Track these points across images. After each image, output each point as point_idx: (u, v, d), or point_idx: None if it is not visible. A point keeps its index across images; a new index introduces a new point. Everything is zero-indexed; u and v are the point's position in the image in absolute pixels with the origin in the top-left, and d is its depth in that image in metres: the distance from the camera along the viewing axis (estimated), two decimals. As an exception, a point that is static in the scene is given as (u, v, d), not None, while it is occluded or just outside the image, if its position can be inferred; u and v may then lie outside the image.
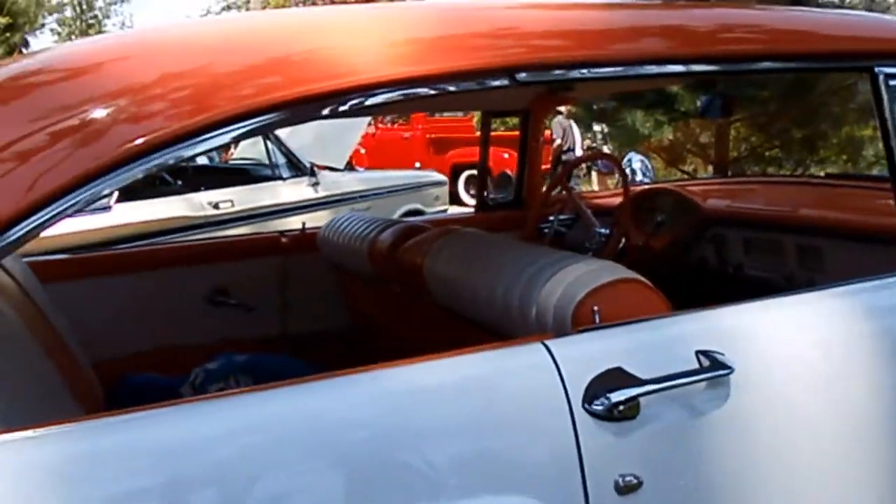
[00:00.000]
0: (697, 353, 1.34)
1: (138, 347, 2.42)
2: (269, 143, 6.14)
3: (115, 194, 4.71)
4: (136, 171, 1.14)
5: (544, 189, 3.27)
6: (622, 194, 2.90)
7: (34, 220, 1.09)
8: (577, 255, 1.66)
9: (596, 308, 1.36)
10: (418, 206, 7.45)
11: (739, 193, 3.06)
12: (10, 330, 1.41)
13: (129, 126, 1.14)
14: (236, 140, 1.28)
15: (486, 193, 3.36)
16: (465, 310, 1.83)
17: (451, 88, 1.36)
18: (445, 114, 13.53)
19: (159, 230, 4.92)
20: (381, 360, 2.45)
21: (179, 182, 5.75)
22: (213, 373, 2.18)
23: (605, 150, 8.44)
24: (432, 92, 1.36)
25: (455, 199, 9.81)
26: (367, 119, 8.60)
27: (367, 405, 1.21)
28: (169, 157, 1.16)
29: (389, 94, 1.31)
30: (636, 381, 1.27)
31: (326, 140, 7.08)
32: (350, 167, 7.87)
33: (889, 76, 1.71)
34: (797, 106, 6.96)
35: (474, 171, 9.87)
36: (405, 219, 3.55)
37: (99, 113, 1.14)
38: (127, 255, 2.58)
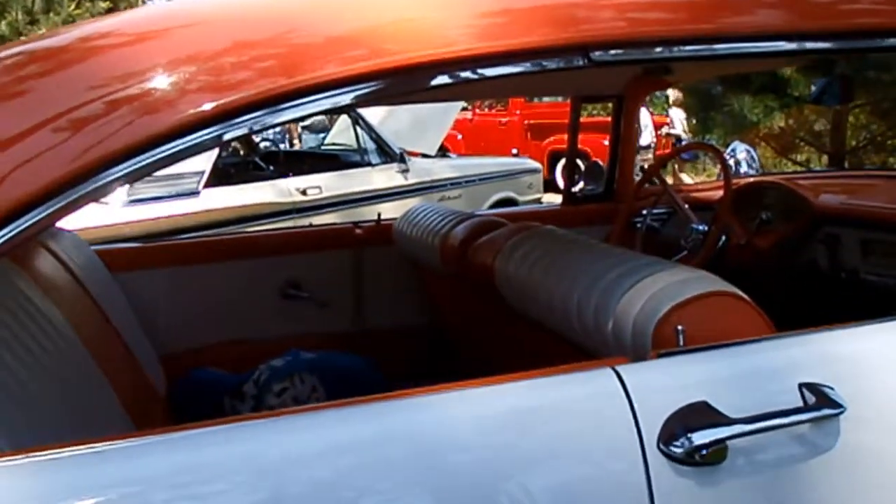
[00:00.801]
0: (801, 386, 1.13)
1: (208, 340, 2.39)
2: (358, 128, 6.10)
3: (204, 179, 4.78)
4: (205, 139, 1.03)
5: (637, 181, 3.05)
6: (723, 187, 2.66)
7: (89, 184, 0.99)
8: (664, 262, 1.47)
9: (680, 327, 1.18)
10: (511, 194, 7.29)
11: (857, 189, 2.76)
12: (49, 331, 1.35)
13: (198, 94, 1.04)
14: (317, 114, 1.19)
15: (574, 185, 3.16)
16: (539, 316, 1.68)
17: (553, 64, 1.19)
18: (545, 99, 13.25)
19: (246, 216, 4.94)
20: (458, 364, 2.32)
21: (269, 167, 5.79)
22: (279, 370, 2.11)
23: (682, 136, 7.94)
24: (533, 68, 1.19)
25: (551, 187, 9.56)
26: (460, 104, 8.47)
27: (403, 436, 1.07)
28: (243, 125, 1.05)
29: (489, 69, 1.16)
30: (724, 420, 1.07)
31: (418, 126, 6.99)
32: (443, 153, 7.75)
33: None
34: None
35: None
36: (488, 210, 3.40)
37: (165, 80, 1.04)
38: (198, 245, 2.55)
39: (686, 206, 2.88)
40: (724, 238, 2.81)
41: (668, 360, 1.14)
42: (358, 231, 2.70)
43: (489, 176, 7.12)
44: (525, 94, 7.73)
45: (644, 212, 3.01)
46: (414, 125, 6.95)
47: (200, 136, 1.03)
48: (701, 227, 2.78)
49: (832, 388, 1.13)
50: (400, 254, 2.57)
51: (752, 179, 3.01)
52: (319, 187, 5.55)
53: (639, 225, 3.00)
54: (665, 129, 10.76)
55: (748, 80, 5.92)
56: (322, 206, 5.44)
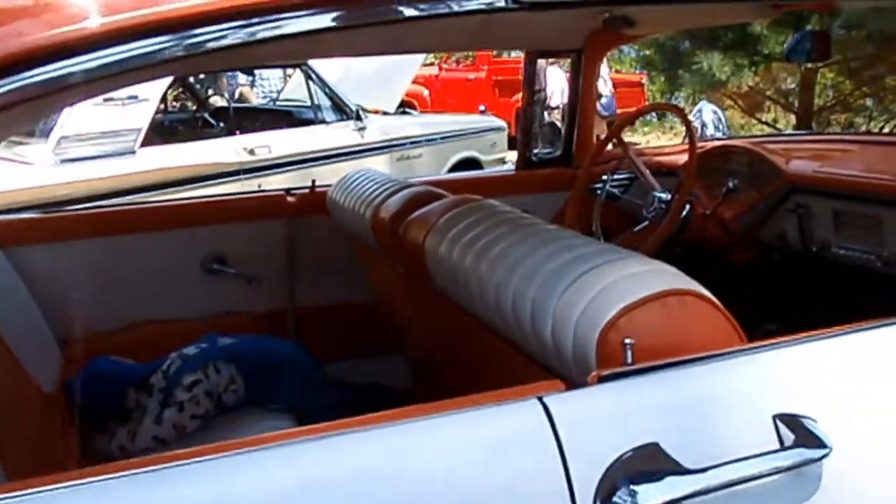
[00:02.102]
0: (777, 419, 0.92)
1: (118, 323, 2.15)
2: (311, 83, 5.77)
3: (140, 137, 4.46)
4: None
5: (596, 144, 2.84)
6: (688, 153, 2.45)
7: None
8: (617, 251, 1.26)
9: (628, 341, 0.97)
10: (474, 153, 7.05)
11: (830, 155, 2.56)
12: None
13: None
14: None
15: (530, 148, 2.94)
16: (472, 308, 1.46)
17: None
18: (514, 54, 12.91)
19: (186, 177, 4.64)
20: (399, 347, 2.09)
21: (219, 124, 5.47)
22: (191, 360, 1.88)
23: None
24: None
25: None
26: (420, 59, 8.13)
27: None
28: None
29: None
30: (679, 470, 0.85)
31: (376, 82, 6.68)
32: (404, 110, 7.45)
33: None
34: (894, 51, 6.20)
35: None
36: (437, 175, 3.16)
37: None
38: (105, 216, 2.29)
39: (648, 172, 2.68)
40: (688, 207, 2.62)
41: (611, 386, 0.91)
42: (290, 199, 2.46)
43: (451, 134, 6.86)
44: (469, 48, 7.36)
45: (604, 177, 2.80)
46: (372, 81, 6.64)
47: None
48: (664, 196, 2.58)
49: (814, 421, 0.91)
50: (336, 225, 2.34)
51: (718, 143, 2.81)
52: (269, 146, 5.24)
53: (598, 192, 2.80)
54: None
55: (717, 37, 5.70)
56: (271, 166, 5.15)
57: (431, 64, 14.01)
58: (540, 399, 0.86)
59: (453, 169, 6.70)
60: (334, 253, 2.42)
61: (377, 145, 5.97)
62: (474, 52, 11.17)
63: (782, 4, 2.18)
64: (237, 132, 5.25)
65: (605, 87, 10.15)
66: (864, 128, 6.90)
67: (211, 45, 0.90)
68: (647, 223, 2.62)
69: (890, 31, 5.53)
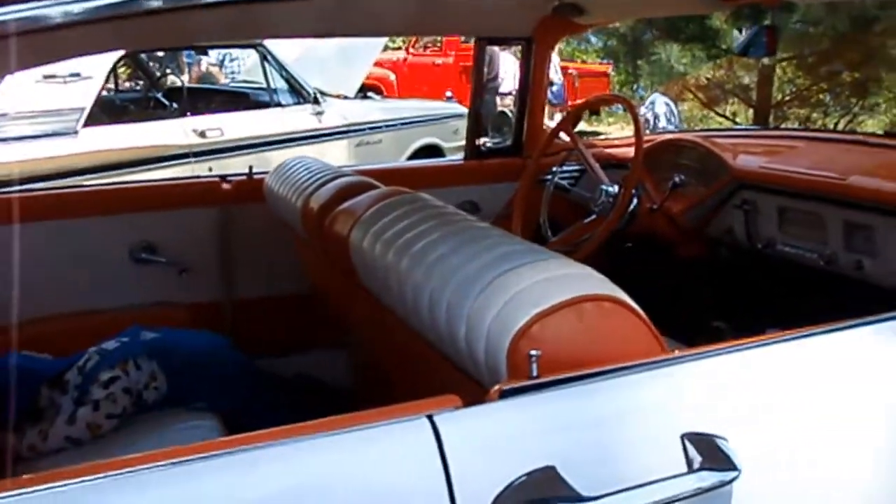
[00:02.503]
0: (685, 438, 0.86)
1: (37, 314, 2.05)
2: (267, 65, 5.63)
3: (84, 116, 4.30)
4: None
5: (546, 135, 2.78)
6: (634, 146, 2.41)
7: None
8: (540, 252, 1.20)
9: (534, 352, 0.91)
10: (436, 140, 6.95)
11: (778, 151, 2.54)
12: None
13: None
14: None
15: (478, 137, 2.88)
16: (393, 307, 1.40)
17: None
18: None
19: (130, 160, 4.48)
20: (337, 340, 2.01)
21: (171, 105, 5.31)
22: (109, 355, 1.79)
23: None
24: None
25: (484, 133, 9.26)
26: (381, 43, 8.01)
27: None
28: None
29: None
30: (574, 496, 0.79)
31: (336, 65, 6.55)
32: (364, 94, 7.33)
33: None
34: (850, 47, 6.24)
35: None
36: (385, 164, 3.08)
37: None
38: (27, 200, 2.18)
39: (597, 164, 2.63)
40: (635, 201, 2.58)
41: (512, 403, 0.85)
42: (226, 186, 2.37)
43: (413, 120, 6.75)
44: (418, 32, 7.21)
45: (554, 169, 2.76)
46: (332, 64, 6.51)
47: None
48: (611, 189, 2.55)
49: (725, 440, 0.86)
50: (273, 214, 2.26)
51: (668, 136, 2.77)
52: (221, 129, 5.10)
53: (548, 184, 2.75)
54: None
55: (677, 29, 5.68)
56: (223, 149, 5.00)
57: (399, 48, 13.85)
58: (430, 417, 0.80)
59: (414, 155, 6.61)
60: (272, 242, 2.34)
61: (335, 130, 5.85)
62: (436, 37, 11.00)
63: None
64: (188, 114, 5.10)
65: (555, 74, 10.17)
66: (820, 123, 6.96)
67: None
68: (594, 216, 2.58)
69: (846, 28, 5.57)
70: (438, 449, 0.77)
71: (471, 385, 1.10)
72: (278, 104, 5.67)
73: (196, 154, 4.83)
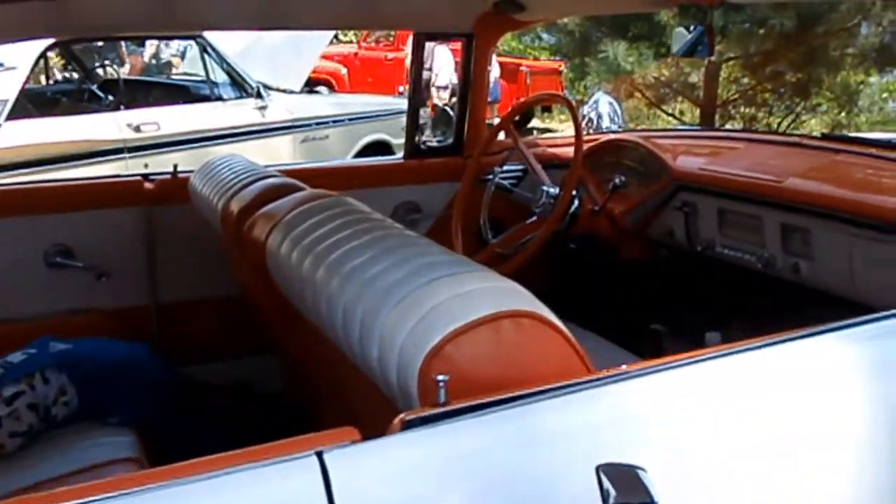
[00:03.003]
0: (601, 470, 0.80)
1: None
2: (207, 57, 5.46)
3: (7, 109, 4.10)
4: None
5: (487, 134, 2.73)
6: (574, 148, 2.36)
7: None
8: (458, 263, 1.14)
9: (441, 378, 0.85)
10: (384, 136, 6.84)
11: (718, 152, 2.53)
12: None
13: None
14: None
15: (418, 135, 2.81)
16: (310, 317, 1.33)
17: None
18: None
19: (56, 156, 4.27)
20: (268, 343, 1.92)
21: (107, 98, 5.11)
22: (15, 368, 1.68)
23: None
24: None
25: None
26: (328, 36, 7.86)
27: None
28: None
29: None
30: None
31: (281, 58, 6.40)
32: (310, 89, 7.19)
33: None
34: (794, 48, 6.33)
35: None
36: (322, 162, 2.99)
37: None
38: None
39: (538, 165, 2.59)
40: (576, 203, 2.55)
41: (414, 436, 0.78)
42: (148, 185, 2.25)
43: (360, 116, 6.63)
44: (354, 26, 7.07)
45: (496, 169, 2.70)
46: (277, 57, 6.36)
47: None
48: (552, 190, 2.50)
49: (644, 471, 0.81)
50: (198, 214, 2.15)
51: (611, 137, 2.74)
52: (157, 123, 4.92)
53: (489, 184, 2.70)
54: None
55: (625, 27, 5.68)
56: (159, 145, 4.83)
57: (351, 42, 13.67)
58: (319, 455, 0.73)
59: (362, 151, 6.50)
60: (199, 244, 2.23)
61: (279, 125, 5.70)
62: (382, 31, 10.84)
63: None
64: (122, 107, 4.90)
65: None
66: (764, 122, 7.05)
67: None
68: (535, 217, 2.54)
69: (791, 28, 5.64)
70: (326, 491, 0.70)
71: (389, 405, 1.03)
72: (219, 98, 5.51)
73: (130, 150, 4.66)
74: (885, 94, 8.08)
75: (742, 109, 7.06)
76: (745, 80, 6.97)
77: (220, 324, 2.27)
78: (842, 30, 5.77)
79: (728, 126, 7.07)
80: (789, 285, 2.14)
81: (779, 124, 7.02)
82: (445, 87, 9.71)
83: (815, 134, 2.92)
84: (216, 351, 2.27)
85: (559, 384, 0.90)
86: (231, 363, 2.29)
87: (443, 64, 10.37)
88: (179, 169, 2.28)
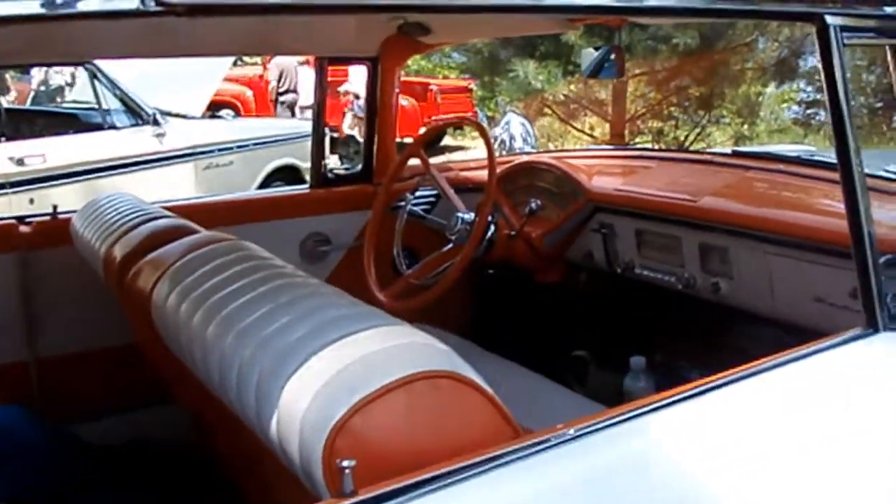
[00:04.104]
0: None
1: None
2: (98, 84, 5.15)
3: None
4: None
5: (397, 159, 2.61)
6: (488, 171, 2.27)
7: None
8: (366, 317, 1.01)
9: (346, 464, 0.72)
10: (293, 160, 6.65)
11: (632, 172, 2.49)
12: None
13: None
14: None
15: (325, 163, 2.68)
16: (203, 381, 1.17)
17: None
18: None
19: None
20: (164, 395, 1.75)
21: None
22: None
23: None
24: None
25: (344, 150, 9.01)
26: (230, 59, 7.63)
27: None
28: None
29: None
30: None
31: (180, 83, 6.13)
32: (213, 113, 6.93)
33: (844, 29, 1.13)
34: (697, 63, 6.54)
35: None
36: (219, 196, 2.82)
37: None
38: None
39: (452, 190, 2.49)
40: (492, 228, 2.46)
41: None
42: (24, 228, 2.04)
43: (267, 140, 6.42)
44: (256, 52, 6.93)
45: (408, 195, 2.59)
46: (175, 82, 6.09)
47: None
48: (467, 217, 2.40)
49: None
50: (81, 258, 1.95)
51: (524, 159, 2.67)
52: (43, 155, 4.60)
53: (401, 211, 2.58)
54: (344, 87, 9.91)
55: (533, 46, 5.71)
56: (45, 178, 4.50)
57: (256, 63, 13.38)
58: None
59: (269, 177, 6.30)
60: (83, 291, 2.03)
61: (179, 153, 5.44)
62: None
63: (577, 19, 2.07)
64: (3, 139, 4.56)
65: (363, 88, 10.06)
66: (672, 135, 7.24)
67: None
68: (451, 245, 2.43)
69: (694, 46, 5.81)
70: None
71: (300, 484, 0.90)
72: (112, 126, 5.21)
73: (13, 184, 4.32)
74: (783, 104, 8.46)
75: (650, 123, 7.23)
76: (652, 95, 7.15)
77: (111, 376, 2.08)
78: (741, 45, 5.98)
79: (638, 139, 7.23)
80: (710, 304, 2.11)
81: (686, 137, 7.22)
82: (308, 108, 9.72)
83: (725, 150, 2.93)
84: (108, 406, 2.08)
85: (484, 457, 0.79)
86: (126, 418, 2.10)
87: (307, 84, 10.35)
88: (72, 205, 2.08)
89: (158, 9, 0.70)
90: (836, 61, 1.10)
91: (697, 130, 7.24)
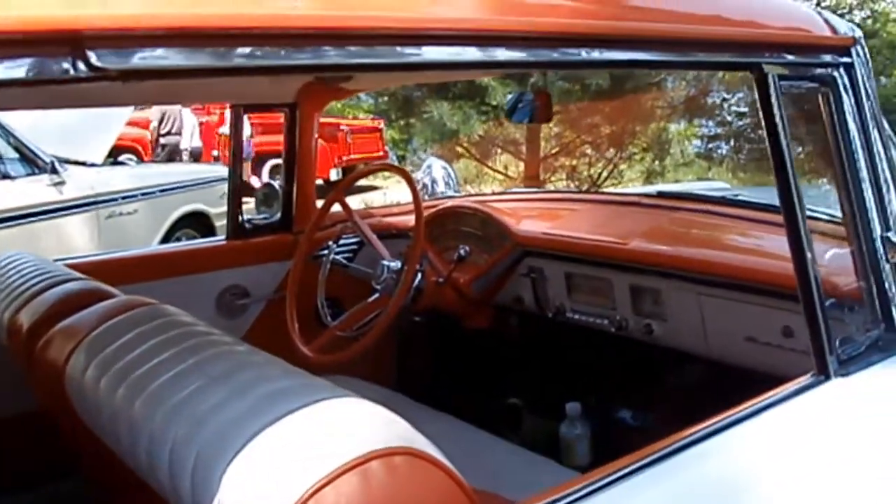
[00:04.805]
0: None
1: None
2: (-12, 131, 4.88)
3: None
4: None
5: (319, 208, 2.53)
6: (415, 219, 2.22)
7: None
8: (308, 388, 0.93)
9: None
10: (201, 206, 6.45)
11: (559, 215, 2.48)
12: None
13: None
14: None
15: (241, 213, 2.56)
16: (129, 464, 1.06)
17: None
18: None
19: None
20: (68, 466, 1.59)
21: None
22: None
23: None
24: None
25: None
26: (131, 108, 7.40)
27: None
28: None
29: None
30: None
31: (80, 129, 5.87)
32: (115, 160, 6.66)
33: (782, 77, 1.13)
34: (607, 102, 6.74)
35: (279, 161, 8.91)
36: (130, 251, 2.66)
37: None
38: None
39: (376, 237, 2.41)
40: (420, 276, 2.39)
41: None
42: None
43: (173, 186, 6.21)
44: (164, 101, 6.77)
45: (330, 244, 2.50)
46: (75, 128, 5.82)
47: None
48: (393, 265, 2.32)
49: None
50: None
51: (448, 204, 2.63)
52: (-82, 211, 4.28)
53: (323, 260, 2.49)
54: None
55: (446, 87, 5.75)
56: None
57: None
58: None
59: (176, 224, 6.07)
60: None
61: (79, 202, 5.18)
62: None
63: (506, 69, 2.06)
64: None
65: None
66: (585, 173, 7.41)
67: None
68: (378, 295, 2.35)
69: (604, 85, 5.98)
70: None
71: None
72: (6, 175, 4.91)
73: None
74: (686, 140, 8.80)
75: (563, 161, 7.38)
76: (566, 134, 7.31)
77: (15, 447, 1.89)
78: (650, 84, 6.20)
79: (553, 177, 7.35)
80: (644, 346, 2.10)
81: (599, 174, 7.40)
82: (186, 150, 9.64)
83: (650, 191, 2.97)
84: (11, 480, 1.89)
85: None
86: (31, 494, 1.92)
87: (188, 128, 10.28)
88: None
89: (92, 74, 0.63)
90: (776, 109, 1.10)
91: (610, 168, 7.43)
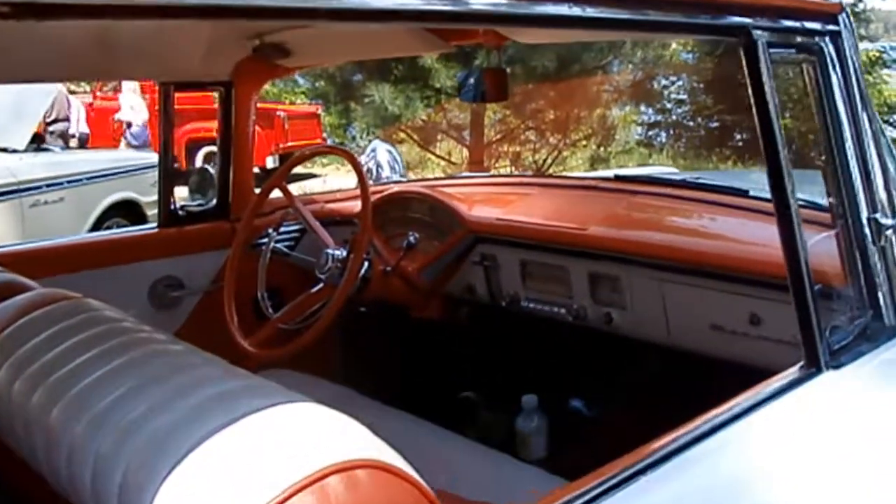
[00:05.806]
0: None
1: None
2: None
3: None
4: None
5: (258, 193, 2.37)
6: (361, 205, 2.08)
7: None
8: (252, 389, 0.81)
9: None
10: (131, 194, 6.22)
11: (513, 200, 2.39)
12: None
13: None
14: None
15: (173, 199, 2.39)
16: (46, 476, 0.92)
17: None
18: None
19: None
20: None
21: None
22: None
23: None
24: None
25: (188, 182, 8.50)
26: (54, 88, 7.04)
27: None
28: None
29: None
30: None
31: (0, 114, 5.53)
32: (39, 146, 6.32)
33: (771, 45, 1.04)
34: (552, 87, 6.68)
35: (214, 148, 8.62)
36: (49, 240, 2.46)
37: None
38: None
39: (319, 224, 2.27)
40: (366, 265, 2.26)
41: None
42: None
43: (102, 174, 5.96)
44: (91, 77, 6.46)
45: (270, 232, 2.35)
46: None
47: None
48: (337, 254, 2.19)
49: None
50: None
51: (396, 189, 2.50)
52: None
53: (263, 249, 2.34)
54: (118, 115, 9.87)
55: (388, 70, 5.60)
56: None
57: (85, 91, 12.47)
58: None
59: (105, 213, 5.81)
60: None
61: (0, 190, 4.90)
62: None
63: (457, 38, 1.95)
64: None
65: (136, 115, 9.92)
66: (529, 159, 7.35)
67: None
68: (322, 285, 2.22)
69: (547, 68, 5.91)
70: None
71: None
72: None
73: None
74: (626, 126, 8.84)
75: (507, 148, 7.30)
76: (510, 120, 7.22)
77: None
78: (596, 68, 6.16)
79: (497, 164, 7.27)
80: (603, 336, 2.02)
81: (543, 161, 7.35)
82: (74, 136, 9.31)
83: (607, 174, 2.90)
84: None
85: None
86: None
87: (73, 111, 9.90)
88: None
89: None
90: (765, 79, 1.01)
91: (555, 154, 7.39)
